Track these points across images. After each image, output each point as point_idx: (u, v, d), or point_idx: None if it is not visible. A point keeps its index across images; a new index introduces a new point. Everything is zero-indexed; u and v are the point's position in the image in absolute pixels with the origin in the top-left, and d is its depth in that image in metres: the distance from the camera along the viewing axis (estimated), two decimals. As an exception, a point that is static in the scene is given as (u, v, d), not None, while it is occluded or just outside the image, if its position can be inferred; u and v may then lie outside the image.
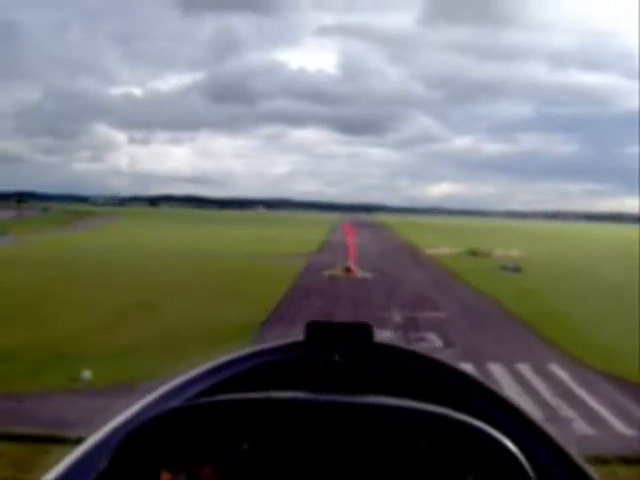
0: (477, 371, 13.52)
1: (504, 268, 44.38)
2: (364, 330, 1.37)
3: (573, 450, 1.30)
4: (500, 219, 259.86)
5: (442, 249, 61.83)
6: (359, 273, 34.52)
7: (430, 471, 1.12)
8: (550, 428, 1.37)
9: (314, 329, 1.37)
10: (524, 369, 16.75)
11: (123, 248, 51.77)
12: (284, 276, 34.93)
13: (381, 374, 1.43)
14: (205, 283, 31.95)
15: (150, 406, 1.41)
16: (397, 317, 23.60)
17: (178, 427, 1.18)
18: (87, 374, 15.32)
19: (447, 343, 19.66)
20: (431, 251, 59.82)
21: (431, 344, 19.25)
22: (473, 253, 58.92)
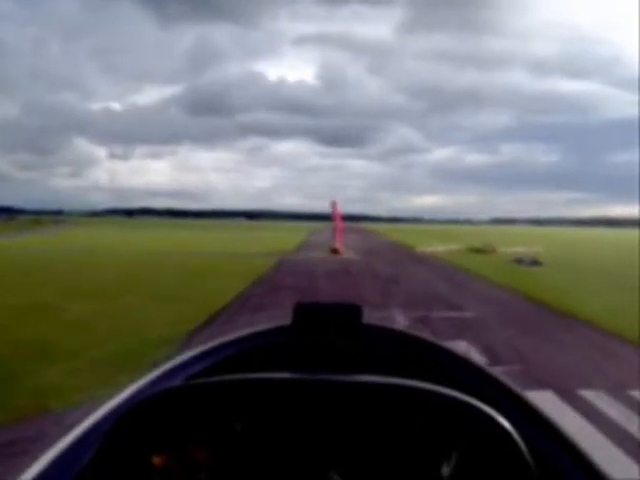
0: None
1: (519, 262, 39.45)
2: (353, 311, 1.35)
3: (569, 431, 1.30)
4: (486, 226, 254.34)
5: (436, 247, 54.19)
6: (347, 254, 31.11)
7: (421, 447, 1.14)
8: (542, 407, 1.36)
9: (302, 311, 1.35)
10: None
11: (64, 247, 47.23)
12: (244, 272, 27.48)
13: (371, 355, 1.41)
14: (137, 281, 23.61)
15: (140, 390, 1.41)
16: (405, 319, 15.46)
17: (168, 410, 1.18)
18: None
19: (526, 369, 10.77)
20: (425, 248, 52.11)
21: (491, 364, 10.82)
22: (475, 250, 51.42)
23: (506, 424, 1.11)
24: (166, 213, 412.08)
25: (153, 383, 1.43)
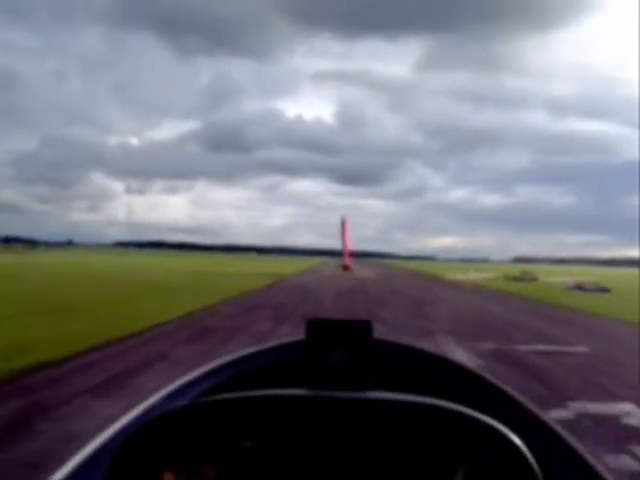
0: None
1: (580, 288, 32.04)
2: (364, 327, 1.34)
3: (581, 447, 1.29)
4: (507, 264, 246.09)
5: (470, 275, 46.66)
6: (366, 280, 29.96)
7: (432, 463, 1.14)
8: (558, 425, 1.35)
9: (315, 327, 1.33)
10: None
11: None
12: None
13: (382, 370, 1.42)
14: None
15: (154, 407, 1.43)
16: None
17: (179, 428, 1.19)
18: None
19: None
20: (456, 277, 44.62)
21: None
22: (513, 278, 44.09)
23: (517, 440, 1.10)
24: (178, 247, 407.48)
25: (165, 400, 1.44)
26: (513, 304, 23.61)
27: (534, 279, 44.01)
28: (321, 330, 1.33)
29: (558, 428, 1.33)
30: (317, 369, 1.30)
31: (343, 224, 39.54)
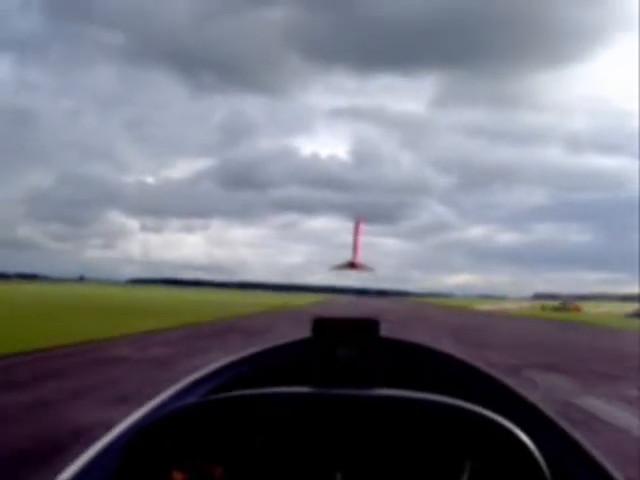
0: None
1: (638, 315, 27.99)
2: (371, 325, 1.37)
3: (590, 446, 1.30)
4: (527, 301, 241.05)
5: (503, 304, 43.28)
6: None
7: (438, 460, 1.15)
8: (563, 421, 1.37)
9: (321, 326, 1.36)
10: None
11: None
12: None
13: (389, 368, 1.46)
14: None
15: (161, 405, 1.44)
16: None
17: (188, 425, 1.20)
18: None
19: None
20: (486, 307, 41.33)
21: None
22: (555, 308, 40.76)
23: (524, 437, 1.11)
24: (193, 284, 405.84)
25: (173, 398, 1.44)
26: (588, 331, 21.16)
27: (578, 309, 40.68)
28: (328, 328, 1.32)
29: (566, 426, 1.33)
30: (324, 367, 1.30)
31: (357, 223, 38.05)
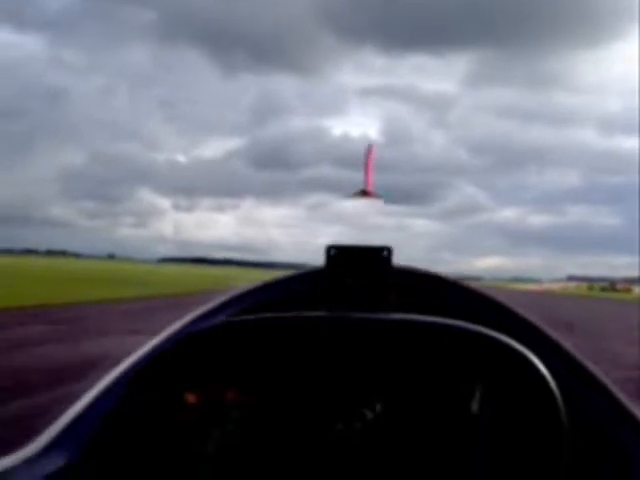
0: None
1: None
2: (384, 253, 1.35)
3: (598, 370, 1.32)
4: (562, 283, 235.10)
5: (544, 285, 39.72)
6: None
7: (451, 384, 1.16)
8: (574, 348, 1.38)
9: (334, 254, 1.35)
10: None
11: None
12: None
13: (401, 296, 1.40)
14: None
15: (179, 331, 1.45)
16: None
17: (201, 350, 1.22)
18: None
19: None
20: (526, 287, 38.01)
21: None
22: (603, 289, 37.42)
23: (538, 363, 1.11)
24: (223, 262, 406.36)
25: (191, 324, 1.45)
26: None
27: (628, 290, 37.39)
28: (340, 257, 1.33)
29: (583, 360, 1.33)
30: (337, 294, 1.30)
31: (369, 149, 34.36)
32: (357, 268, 1.31)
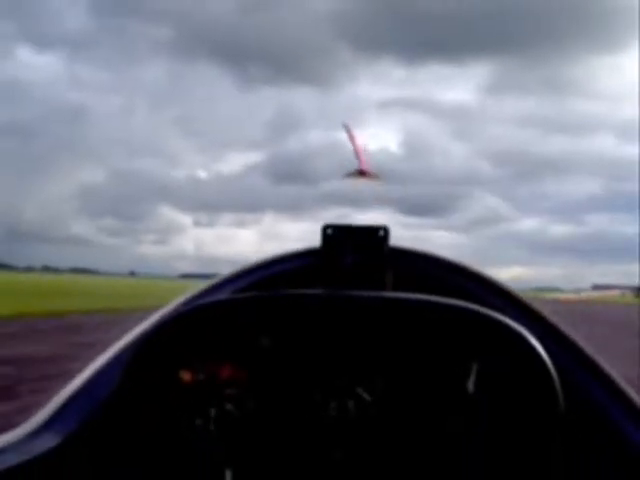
0: None
1: None
2: (380, 232, 1.37)
3: (591, 350, 1.33)
4: (587, 292, 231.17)
5: (582, 294, 37.75)
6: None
7: (447, 362, 1.16)
8: (577, 336, 1.38)
9: (330, 233, 1.37)
10: None
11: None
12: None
13: (397, 276, 1.44)
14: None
15: (174, 309, 1.45)
16: None
17: (198, 326, 1.22)
18: None
19: None
20: (558, 296, 36.08)
21: None
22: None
23: (534, 341, 1.12)
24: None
25: (186, 303, 1.43)
26: None
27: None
28: (336, 236, 1.33)
29: (581, 343, 1.32)
30: (333, 273, 1.32)
31: (348, 129, 33.72)
32: (354, 247, 1.31)
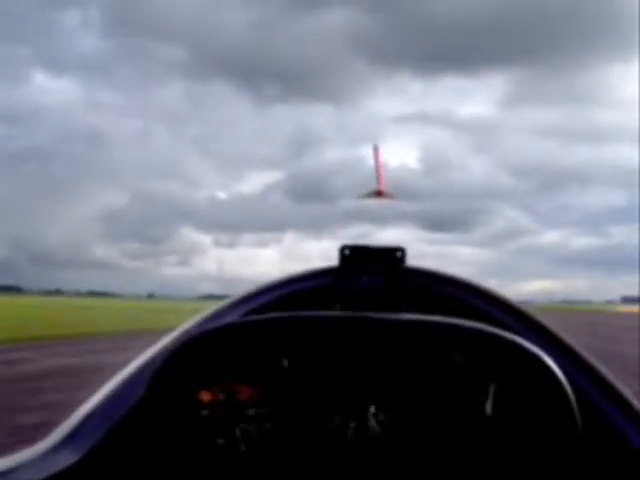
0: None
1: None
2: (397, 254, 1.38)
3: (605, 370, 1.34)
4: (614, 305, 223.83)
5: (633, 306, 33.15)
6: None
7: (464, 385, 1.17)
8: (592, 356, 1.38)
9: (348, 254, 1.38)
10: None
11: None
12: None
13: (414, 297, 1.45)
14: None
15: (193, 329, 1.47)
16: None
17: (218, 347, 1.24)
18: None
19: None
20: (615, 309, 31.29)
21: None
22: None
23: (551, 363, 1.12)
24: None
25: (205, 322, 1.46)
26: None
27: None
28: (354, 256, 1.34)
29: (596, 362, 1.33)
30: (350, 294, 1.32)
31: (375, 150, 32.42)
32: (370, 268, 1.32)
